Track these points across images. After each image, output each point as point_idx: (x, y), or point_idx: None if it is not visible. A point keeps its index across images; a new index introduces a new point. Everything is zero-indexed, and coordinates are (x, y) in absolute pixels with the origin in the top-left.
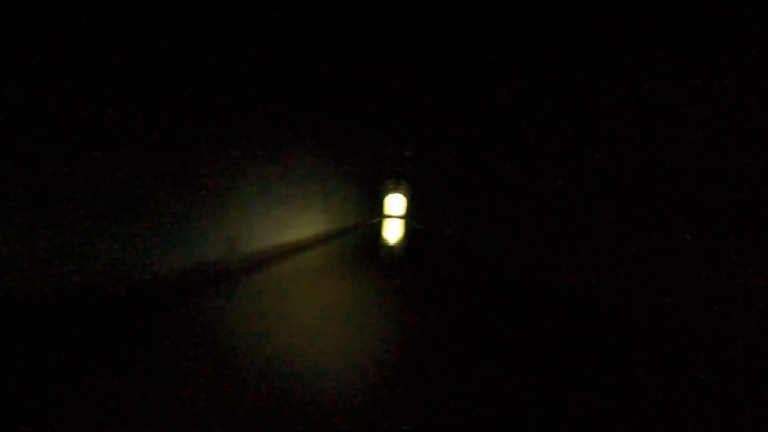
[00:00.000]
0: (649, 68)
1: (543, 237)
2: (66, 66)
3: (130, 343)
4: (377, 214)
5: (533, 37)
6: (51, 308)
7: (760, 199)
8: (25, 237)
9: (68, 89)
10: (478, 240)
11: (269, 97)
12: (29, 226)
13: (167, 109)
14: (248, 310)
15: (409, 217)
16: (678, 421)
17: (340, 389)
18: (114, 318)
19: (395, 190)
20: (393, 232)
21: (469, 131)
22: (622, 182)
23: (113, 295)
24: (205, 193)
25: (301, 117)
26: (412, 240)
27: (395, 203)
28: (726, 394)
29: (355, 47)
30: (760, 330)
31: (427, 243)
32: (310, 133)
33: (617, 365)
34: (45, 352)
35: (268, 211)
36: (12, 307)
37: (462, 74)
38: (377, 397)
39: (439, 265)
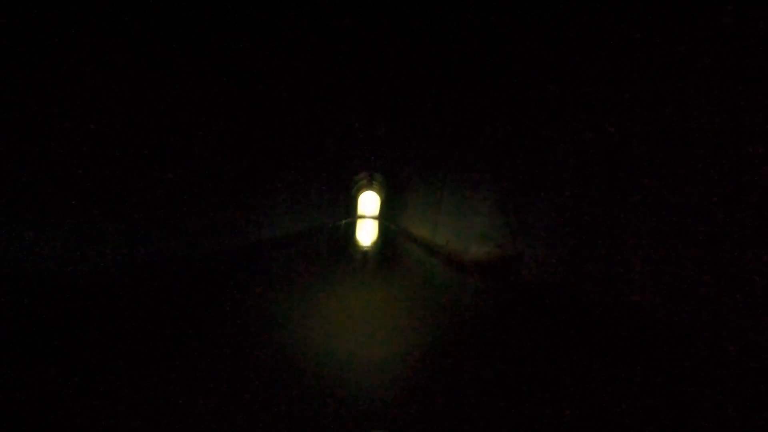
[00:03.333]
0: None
1: (536, 237)
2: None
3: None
4: (349, 215)
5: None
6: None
7: None
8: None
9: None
10: (454, 244)
11: (225, 85)
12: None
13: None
14: (207, 312)
15: (383, 218)
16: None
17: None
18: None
19: (368, 187)
20: (366, 233)
21: (448, 124)
22: (612, 178)
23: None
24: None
25: (267, 111)
26: (386, 243)
27: (368, 202)
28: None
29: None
30: None
31: (402, 246)
32: (272, 122)
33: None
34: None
35: (226, 207)
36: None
37: (440, 62)
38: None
39: (413, 270)
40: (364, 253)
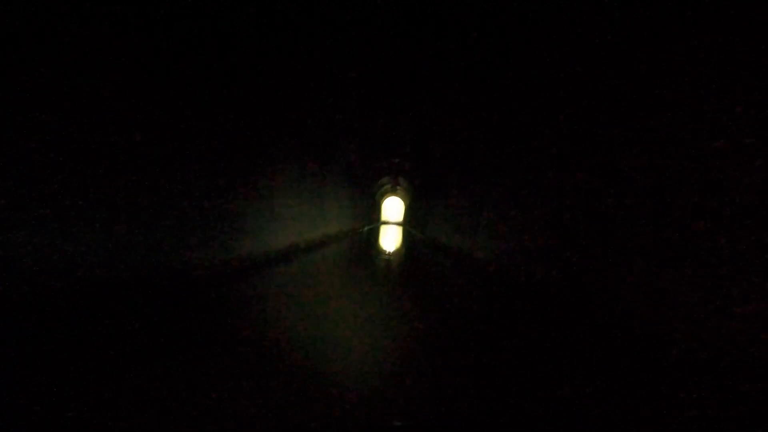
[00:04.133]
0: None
1: (557, 244)
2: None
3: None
4: (372, 220)
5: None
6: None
7: None
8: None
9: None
10: (484, 251)
11: (248, 92)
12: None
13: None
14: (233, 319)
15: (408, 224)
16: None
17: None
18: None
19: (392, 192)
20: (389, 240)
21: (476, 127)
22: (641, 187)
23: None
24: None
25: (283, 111)
26: (411, 250)
27: (393, 208)
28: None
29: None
30: None
31: (428, 253)
32: (293, 128)
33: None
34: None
35: (251, 216)
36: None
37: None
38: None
39: (439, 280)
40: (387, 261)
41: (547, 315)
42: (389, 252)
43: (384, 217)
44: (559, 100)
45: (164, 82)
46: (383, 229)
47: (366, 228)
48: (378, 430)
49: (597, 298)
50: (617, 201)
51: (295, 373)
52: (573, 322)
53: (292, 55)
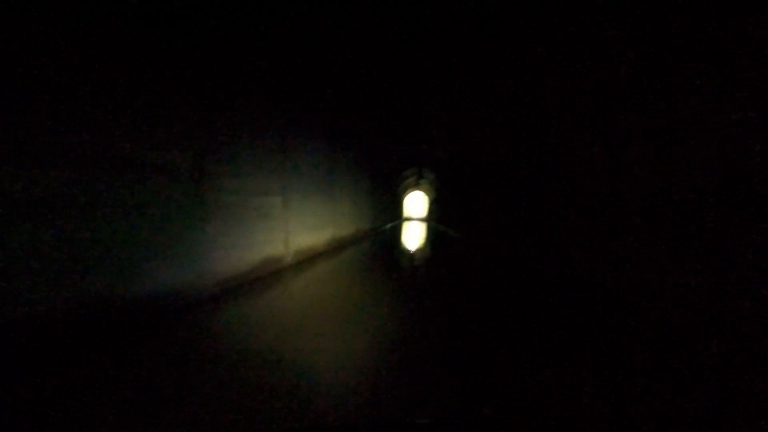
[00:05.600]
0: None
1: (592, 238)
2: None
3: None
4: (395, 217)
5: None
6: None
7: None
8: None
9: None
10: (511, 246)
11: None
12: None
13: (168, 100)
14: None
15: (432, 220)
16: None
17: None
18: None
19: (416, 186)
20: (414, 237)
21: (507, 115)
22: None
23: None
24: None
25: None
26: (437, 246)
27: (416, 203)
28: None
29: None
30: None
31: (454, 250)
32: (315, 122)
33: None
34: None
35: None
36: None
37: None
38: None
39: (466, 276)
40: (411, 258)
41: (577, 315)
42: (413, 250)
43: (407, 213)
44: (598, 93)
45: (161, 77)
46: (406, 225)
47: (389, 225)
48: (398, 426)
49: (628, 297)
50: (655, 197)
51: (322, 376)
52: (602, 321)
53: (298, 35)
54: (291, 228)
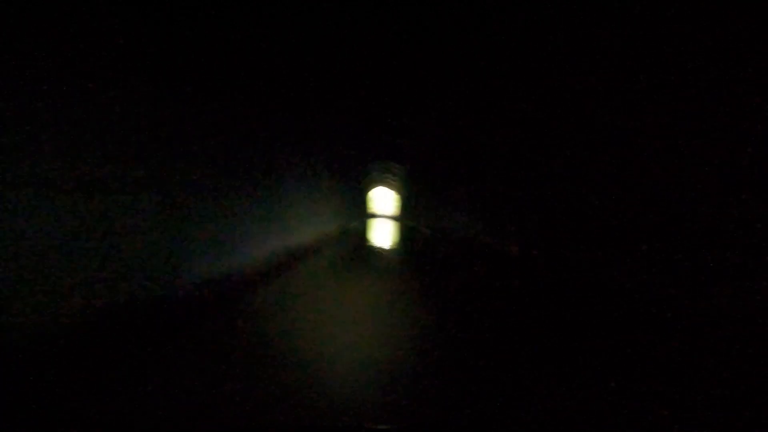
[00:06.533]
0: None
1: (563, 236)
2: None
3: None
4: (361, 214)
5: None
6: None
7: None
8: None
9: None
10: (489, 241)
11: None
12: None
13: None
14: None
15: (402, 217)
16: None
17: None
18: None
19: (383, 181)
20: (384, 235)
21: (477, 109)
22: (638, 183)
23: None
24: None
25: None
26: (409, 244)
27: (383, 199)
28: None
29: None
30: None
31: (427, 248)
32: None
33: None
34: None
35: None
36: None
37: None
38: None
39: (443, 274)
40: (382, 257)
41: (553, 309)
42: (384, 248)
43: (372, 209)
44: (567, 90)
45: (146, 80)
46: (372, 223)
47: (354, 224)
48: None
49: (600, 289)
50: (618, 191)
51: (298, 377)
52: (578, 314)
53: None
54: (255, 229)
